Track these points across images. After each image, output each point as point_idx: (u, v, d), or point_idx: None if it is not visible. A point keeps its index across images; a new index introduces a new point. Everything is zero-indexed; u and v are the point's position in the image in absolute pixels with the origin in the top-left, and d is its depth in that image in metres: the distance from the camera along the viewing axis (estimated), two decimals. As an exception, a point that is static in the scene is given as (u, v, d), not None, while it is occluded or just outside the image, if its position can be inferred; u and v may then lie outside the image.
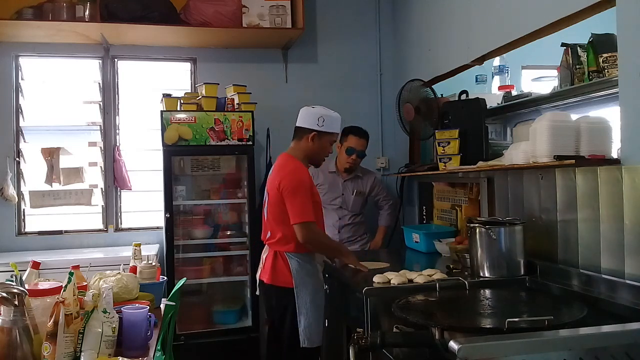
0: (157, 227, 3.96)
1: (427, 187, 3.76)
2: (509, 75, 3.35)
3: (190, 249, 3.79)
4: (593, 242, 2.10)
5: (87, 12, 3.65)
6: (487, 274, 2.40)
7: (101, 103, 4.02)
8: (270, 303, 2.73)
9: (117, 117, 4.04)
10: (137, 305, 1.96)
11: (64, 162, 3.88)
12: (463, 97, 3.15)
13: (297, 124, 2.72)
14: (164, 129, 3.57)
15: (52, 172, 3.86)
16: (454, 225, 3.32)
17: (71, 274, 1.70)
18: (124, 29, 3.70)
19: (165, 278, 2.73)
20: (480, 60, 3.08)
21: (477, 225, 2.43)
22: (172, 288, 2.86)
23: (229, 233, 3.89)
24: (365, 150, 3.66)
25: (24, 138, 3.92)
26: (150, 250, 3.58)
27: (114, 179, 3.96)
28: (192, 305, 3.77)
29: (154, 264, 2.63)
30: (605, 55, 2.41)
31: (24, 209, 3.91)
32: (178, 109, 3.68)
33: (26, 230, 3.92)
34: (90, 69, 4.06)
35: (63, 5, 3.63)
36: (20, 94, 3.92)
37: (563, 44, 2.63)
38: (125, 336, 1.82)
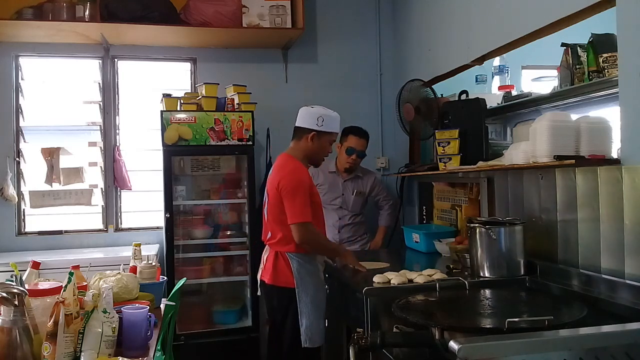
0: (157, 227, 3.96)
1: (427, 187, 3.76)
2: (509, 75, 3.35)
3: (190, 249, 3.79)
4: (593, 242, 2.10)
5: (87, 12, 3.65)
6: (487, 274, 2.40)
7: (101, 103, 4.02)
8: (272, 303, 2.73)
9: (117, 117, 4.04)
10: (137, 305, 1.96)
11: (64, 162, 3.88)
12: (463, 97, 3.15)
13: (297, 124, 2.72)
14: (164, 129, 3.57)
15: (52, 172, 3.86)
16: (454, 225, 3.32)
17: (71, 274, 1.70)
18: (124, 29, 3.70)
19: (165, 278, 2.73)
20: (480, 60, 3.08)
21: (477, 225, 2.43)
22: (172, 288, 2.86)
23: (229, 233, 3.89)
24: (365, 150, 3.66)
25: (24, 138, 3.92)
26: (150, 250, 3.58)
27: (114, 179, 3.96)
28: (192, 305, 3.77)
29: (154, 264, 2.62)
30: (605, 55, 2.41)
31: (24, 209, 3.91)
32: (178, 109, 3.68)
33: (26, 230, 3.92)
34: (90, 69, 4.06)
35: (63, 5, 3.63)
36: (20, 94, 3.92)
37: (563, 44, 2.63)
38: (125, 336, 1.82)
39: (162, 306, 2.39)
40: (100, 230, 4.00)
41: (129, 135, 4.08)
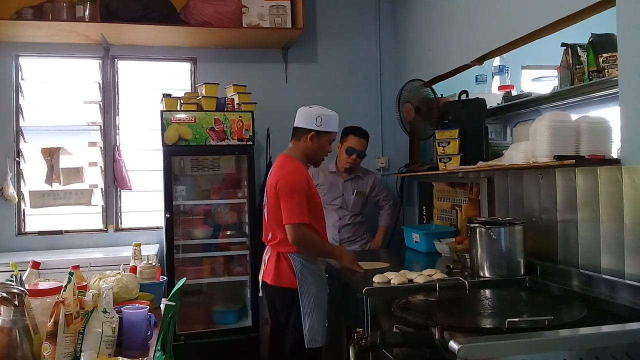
0: (157, 227, 3.96)
1: (427, 187, 3.76)
2: (509, 75, 3.35)
3: (190, 249, 3.79)
4: (593, 242, 2.11)
5: (87, 12, 3.65)
6: (487, 274, 2.40)
7: (101, 103, 4.02)
8: (274, 304, 2.72)
9: (117, 117, 4.04)
10: (137, 305, 1.96)
11: (64, 162, 3.88)
12: (463, 97, 3.15)
13: (295, 125, 2.72)
14: (164, 129, 3.57)
15: (52, 172, 3.86)
16: (454, 225, 3.32)
17: (71, 274, 1.70)
18: (124, 29, 3.70)
19: (165, 278, 2.73)
20: (480, 60, 3.08)
21: (477, 225, 2.43)
22: (172, 288, 2.86)
23: (229, 233, 3.88)
24: (366, 150, 3.66)
25: (24, 138, 3.92)
26: (150, 250, 3.58)
27: (114, 179, 3.96)
28: (192, 305, 3.77)
29: (154, 264, 2.62)
30: (605, 55, 2.41)
31: (24, 209, 3.91)
32: (178, 109, 3.68)
33: (26, 230, 3.92)
34: (90, 69, 4.06)
35: (63, 5, 3.63)
36: (20, 94, 3.92)
37: (563, 44, 2.63)
38: (125, 336, 1.82)
39: (162, 306, 2.39)
40: (100, 230, 4.00)
41: (129, 135, 4.08)
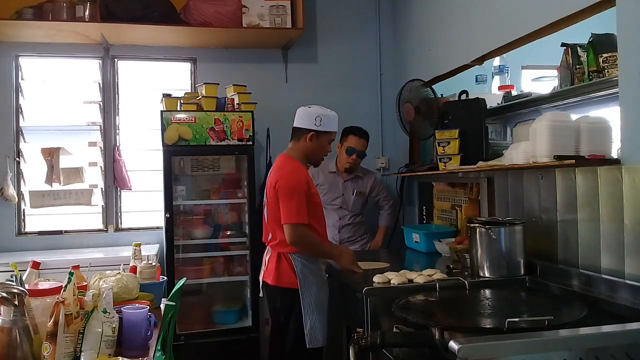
0: (157, 227, 3.96)
1: (427, 187, 3.76)
2: (509, 75, 3.35)
3: (190, 249, 3.79)
4: (593, 242, 2.11)
5: (87, 12, 3.65)
6: (487, 274, 2.40)
7: (101, 103, 4.02)
8: (275, 304, 2.72)
9: (117, 117, 4.04)
10: (137, 305, 1.96)
11: (64, 162, 3.88)
12: (463, 97, 3.15)
13: (295, 125, 2.72)
14: (164, 129, 3.57)
15: (52, 172, 3.86)
16: (454, 225, 3.32)
17: (71, 274, 1.69)
18: (124, 29, 3.70)
19: (165, 278, 2.73)
20: (480, 60, 3.08)
21: (477, 225, 2.43)
22: (172, 288, 2.86)
23: (229, 233, 3.88)
24: (366, 150, 3.66)
25: (24, 138, 3.92)
26: (150, 250, 3.58)
27: (114, 179, 3.96)
28: (192, 305, 3.77)
29: (154, 264, 2.62)
30: (605, 55, 2.41)
31: (24, 209, 3.91)
32: (178, 109, 3.68)
33: (26, 230, 3.92)
34: (90, 69, 4.06)
35: (63, 5, 3.63)
36: (20, 94, 3.92)
37: (563, 44, 2.63)
38: (125, 336, 1.82)
39: (162, 306, 2.39)
40: (100, 230, 4.00)
41: (129, 135, 4.08)
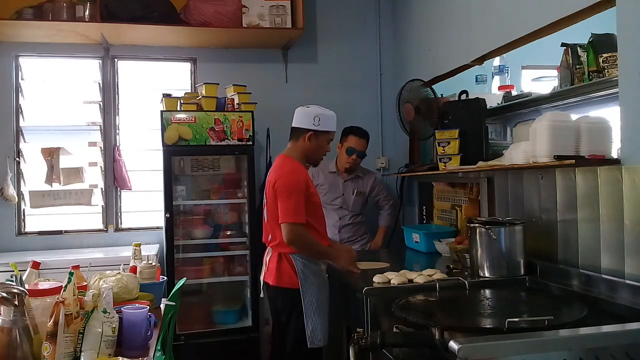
0: (157, 227, 3.96)
1: (427, 187, 3.76)
2: (509, 75, 3.35)
3: (190, 249, 3.79)
4: (593, 242, 2.11)
5: (87, 12, 3.65)
6: (487, 274, 2.40)
7: (101, 103, 4.02)
8: (276, 305, 2.72)
9: (117, 117, 4.04)
10: (137, 305, 1.96)
11: (64, 162, 3.88)
12: (463, 97, 3.15)
13: (293, 125, 2.72)
14: (164, 129, 3.57)
15: (52, 172, 3.86)
16: (454, 225, 3.32)
17: (71, 274, 1.69)
18: (124, 29, 3.70)
19: (165, 278, 2.73)
20: (480, 60, 3.08)
21: (477, 225, 2.43)
22: (172, 288, 2.86)
23: (229, 233, 3.88)
24: (366, 150, 3.66)
25: (24, 138, 3.92)
26: (150, 250, 3.58)
27: (114, 179, 3.96)
28: (192, 305, 3.77)
29: (154, 264, 2.62)
30: (605, 55, 2.41)
31: (24, 209, 3.91)
32: (178, 109, 3.68)
33: (26, 230, 3.92)
34: (90, 69, 4.06)
35: (63, 5, 3.63)
36: (20, 94, 3.92)
37: (563, 44, 2.63)
38: (125, 336, 1.82)
39: (162, 306, 2.39)
40: (100, 230, 4.00)
41: (129, 135, 4.08)
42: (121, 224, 4.04)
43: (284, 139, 2.82)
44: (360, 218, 3.76)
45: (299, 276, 2.57)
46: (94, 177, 3.99)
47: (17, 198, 3.81)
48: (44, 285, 1.90)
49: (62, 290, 1.67)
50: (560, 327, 1.53)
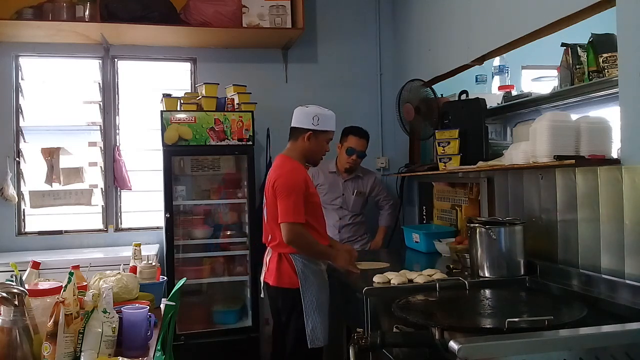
0: (157, 227, 3.96)
1: (427, 187, 3.76)
2: (509, 75, 3.35)
3: (190, 249, 3.79)
4: (593, 242, 2.11)
5: (87, 12, 3.65)
6: (487, 274, 2.40)
7: (101, 103, 4.02)
8: (277, 305, 2.72)
9: (117, 117, 4.04)
10: (137, 305, 1.96)
11: (64, 162, 3.88)
12: (463, 97, 3.15)
13: (292, 125, 2.73)
14: (164, 129, 3.57)
15: (52, 172, 3.86)
16: (454, 225, 3.32)
17: (71, 274, 1.69)
18: (124, 29, 3.70)
19: (165, 278, 2.73)
20: (480, 60, 3.08)
21: (477, 225, 2.43)
22: (172, 288, 2.86)
23: (229, 233, 3.88)
24: (366, 150, 3.66)
25: (24, 138, 3.92)
26: (150, 250, 3.58)
27: (114, 179, 3.96)
28: (192, 305, 3.77)
29: (154, 264, 2.62)
30: (605, 55, 2.41)
31: (24, 209, 3.91)
32: (178, 109, 3.68)
33: (26, 230, 3.92)
34: (90, 69, 4.06)
35: (63, 5, 3.63)
36: (20, 94, 3.92)
37: (563, 44, 2.63)
38: (125, 336, 1.82)
39: (162, 306, 2.39)
40: (100, 230, 4.00)
41: (129, 135, 4.08)
42: (121, 224, 4.04)
43: (284, 139, 2.82)
44: (360, 218, 3.76)
45: (299, 276, 2.57)
46: (94, 177, 3.99)
47: (17, 198, 3.81)
48: (44, 285, 1.90)
49: (62, 290, 1.67)
50: (560, 327, 1.53)
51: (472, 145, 2.97)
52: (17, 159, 3.88)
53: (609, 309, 1.90)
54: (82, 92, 4.03)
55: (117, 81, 4.06)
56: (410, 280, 2.34)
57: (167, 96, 3.69)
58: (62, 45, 3.91)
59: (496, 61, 3.30)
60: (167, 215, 3.59)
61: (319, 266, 2.65)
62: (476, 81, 3.45)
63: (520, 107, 2.98)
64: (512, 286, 2.31)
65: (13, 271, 2.07)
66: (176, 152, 3.64)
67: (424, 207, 3.84)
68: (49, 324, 1.64)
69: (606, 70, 2.40)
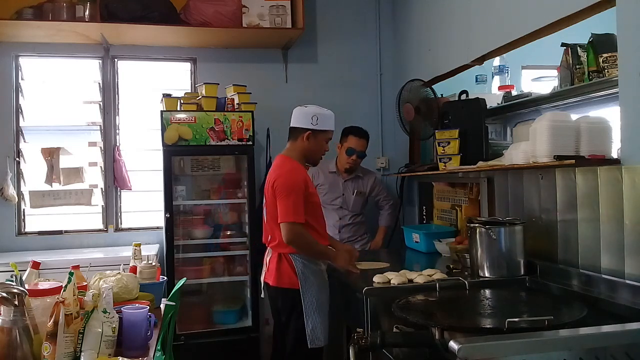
0: (157, 227, 3.96)
1: (427, 187, 3.76)
2: (509, 75, 3.35)
3: (190, 249, 3.79)
4: (593, 242, 2.11)
5: (87, 12, 3.65)
6: (487, 274, 2.40)
7: (101, 103, 4.02)
8: (277, 305, 2.73)
9: (117, 117, 4.04)
10: (137, 305, 1.96)
11: (64, 162, 3.88)
12: (463, 97, 3.15)
13: (292, 125, 2.73)
14: (164, 129, 3.57)
15: (52, 172, 3.86)
16: (454, 225, 3.32)
17: (71, 274, 1.69)
18: (124, 29, 3.70)
19: (165, 278, 2.73)
20: (480, 60, 3.08)
21: (477, 225, 2.43)
22: (172, 288, 2.86)
23: (229, 233, 3.88)
24: (366, 150, 3.65)
25: (24, 138, 3.92)
26: (150, 250, 3.58)
27: (114, 179, 3.96)
28: (192, 305, 3.77)
29: (154, 264, 2.62)
30: (605, 55, 2.41)
31: (24, 209, 3.91)
32: (178, 109, 3.68)
33: (26, 230, 3.92)
34: (90, 69, 4.06)
35: (63, 5, 3.63)
36: (20, 94, 3.92)
37: (563, 44, 2.63)
38: (125, 336, 1.82)
39: (162, 306, 2.39)
40: (100, 230, 4.00)
41: (129, 135, 4.08)
42: (121, 224, 4.04)
43: (284, 139, 2.82)
44: (361, 218, 3.76)
45: (299, 276, 2.57)
46: (94, 177, 3.99)
47: (17, 198, 3.81)
48: (44, 285, 1.90)
49: (62, 290, 1.67)
50: (560, 327, 1.53)
51: (472, 145, 2.97)
52: (17, 159, 3.88)
53: (609, 309, 1.90)
54: (82, 92, 4.03)
55: (117, 81, 4.06)
56: (410, 280, 2.34)
57: (167, 96, 3.69)
58: (62, 45, 3.91)
59: (496, 61, 3.30)
60: (167, 215, 3.59)
61: (318, 266, 2.65)
62: (476, 81, 3.45)
63: (520, 107, 2.98)
64: (512, 286, 2.31)
65: (13, 271, 2.07)
66: (176, 152, 3.64)
67: (424, 207, 3.84)
68: (49, 324, 1.64)
69: (606, 70, 2.40)
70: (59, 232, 3.93)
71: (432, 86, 3.53)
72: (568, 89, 2.59)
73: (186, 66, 4.20)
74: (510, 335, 1.45)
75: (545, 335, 1.45)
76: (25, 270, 2.19)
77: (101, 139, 4.01)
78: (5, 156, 3.81)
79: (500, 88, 3.27)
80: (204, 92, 3.70)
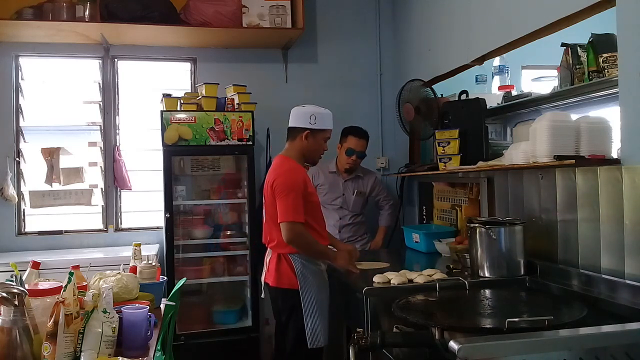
0: (157, 227, 3.96)
1: (427, 187, 3.76)
2: (509, 75, 3.35)
3: (190, 249, 3.79)
4: (593, 242, 2.11)
5: (87, 12, 3.65)
6: (487, 274, 2.40)
7: (101, 103, 4.02)
8: (277, 306, 2.73)
9: (117, 117, 4.04)
10: (137, 305, 1.96)
11: (64, 162, 3.88)
12: (463, 97, 3.15)
13: (290, 125, 2.74)
14: (164, 129, 3.57)
15: (52, 172, 3.86)
16: (454, 225, 3.32)
17: (71, 274, 1.69)
18: (124, 29, 3.70)
19: (165, 278, 2.73)
20: (480, 60, 3.08)
21: (477, 225, 2.43)
22: (172, 288, 2.86)
23: (229, 233, 3.88)
24: (365, 150, 3.65)
25: (24, 138, 3.92)
26: (150, 250, 3.58)
27: (114, 179, 3.96)
28: (192, 305, 3.77)
29: (154, 264, 2.62)
30: (605, 55, 2.41)
31: (24, 209, 3.91)
32: (178, 109, 3.68)
33: (26, 230, 3.92)
34: (90, 69, 4.06)
35: (63, 5, 3.63)
36: (20, 94, 3.92)
37: (563, 44, 2.63)
38: (125, 336, 1.82)
39: (162, 306, 2.39)
40: (100, 230, 4.00)
41: (129, 135, 4.08)
42: (121, 224, 4.04)
43: (284, 139, 2.82)
44: (361, 218, 3.76)
45: (298, 277, 2.57)
46: (94, 177, 3.99)
47: (17, 198, 3.81)
48: (44, 285, 1.90)
49: (62, 290, 1.67)
50: (560, 327, 1.53)
51: (472, 145, 2.97)
52: (17, 159, 3.88)
53: (609, 309, 1.90)
54: (82, 92, 4.03)
55: (117, 81, 4.06)
56: (410, 280, 2.34)
57: (167, 96, 3.69)
58: (62, 45, 3.91)
59: (496, 61, 3.30)
60: (167, 215, 3.59)
61: (318, 266, 2.65)
62: (476, 81, 3.45)
63: (520, 107, 2.98)
64: (512, 286, 2.31)
65: (13, 271, 2.07)
66: (176, 152, 3.64)
67: (424, 207, 3.84)
68: (49, 324, 1.64)
69: (606, 70, 2.40)
70: (59, 232, 3.93)
71: (432, 86, 3.53)
72: (568, 89, 2.59)
73: (186, 66, 4.20)
74: (510, 335, 1.45)
75: (545, 335, 1.45)
76: (25, 270, 2.19)
77: (101, 139, 4.01)
78: (5, 156, 3.81)
79: (500, 88, 3.27)
80: (204, 92, 3.70)
